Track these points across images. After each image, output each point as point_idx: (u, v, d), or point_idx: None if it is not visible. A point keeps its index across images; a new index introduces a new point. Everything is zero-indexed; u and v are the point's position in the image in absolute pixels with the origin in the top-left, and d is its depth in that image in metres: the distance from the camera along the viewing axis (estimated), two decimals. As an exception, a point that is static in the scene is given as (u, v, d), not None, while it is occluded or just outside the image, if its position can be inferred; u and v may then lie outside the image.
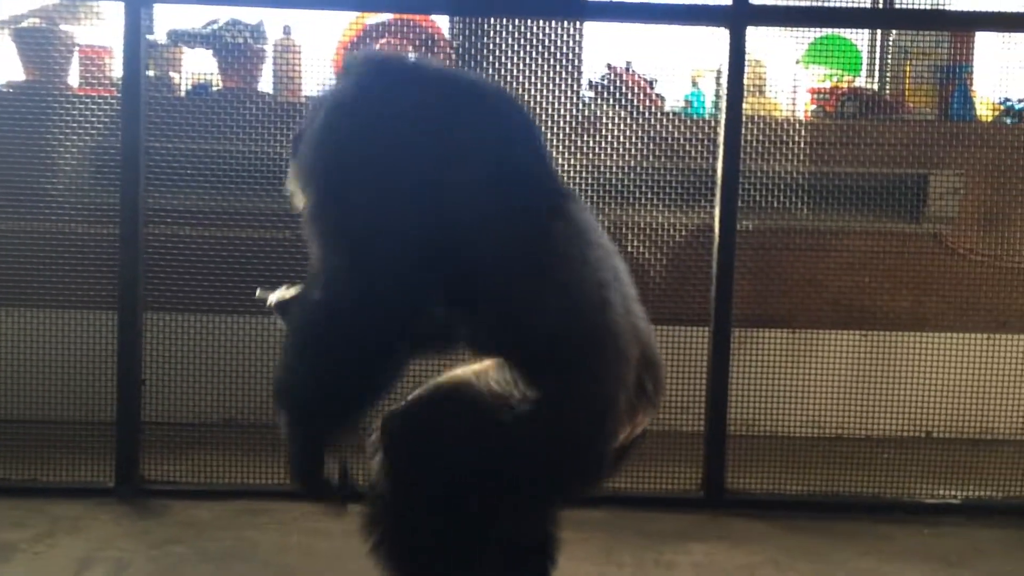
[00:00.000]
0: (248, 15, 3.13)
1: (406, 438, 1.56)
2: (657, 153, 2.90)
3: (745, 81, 2.66)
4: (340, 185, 1.61)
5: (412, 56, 1.86)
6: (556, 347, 1.55)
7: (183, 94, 3.07)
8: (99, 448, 2.64)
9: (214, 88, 3.08)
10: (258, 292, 1.89)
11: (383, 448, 1.58)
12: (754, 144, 2.85)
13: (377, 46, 3.07)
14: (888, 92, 3.34)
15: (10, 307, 2.76)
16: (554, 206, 1.64)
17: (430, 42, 3.04)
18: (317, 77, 3.06)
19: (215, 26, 3.13)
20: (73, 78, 3.07)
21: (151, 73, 2.86)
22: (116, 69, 3.06)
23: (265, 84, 3.12)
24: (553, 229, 1.61)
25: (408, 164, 1.58)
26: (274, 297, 1.85)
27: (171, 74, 3.12)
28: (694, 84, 3.26)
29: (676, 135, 2.92)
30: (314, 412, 1.62)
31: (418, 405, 1.59)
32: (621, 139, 2.88)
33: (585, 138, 2.89)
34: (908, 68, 3.26)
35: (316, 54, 3.10)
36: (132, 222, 2.59)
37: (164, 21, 3.12)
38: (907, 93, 3.25)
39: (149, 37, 2.76)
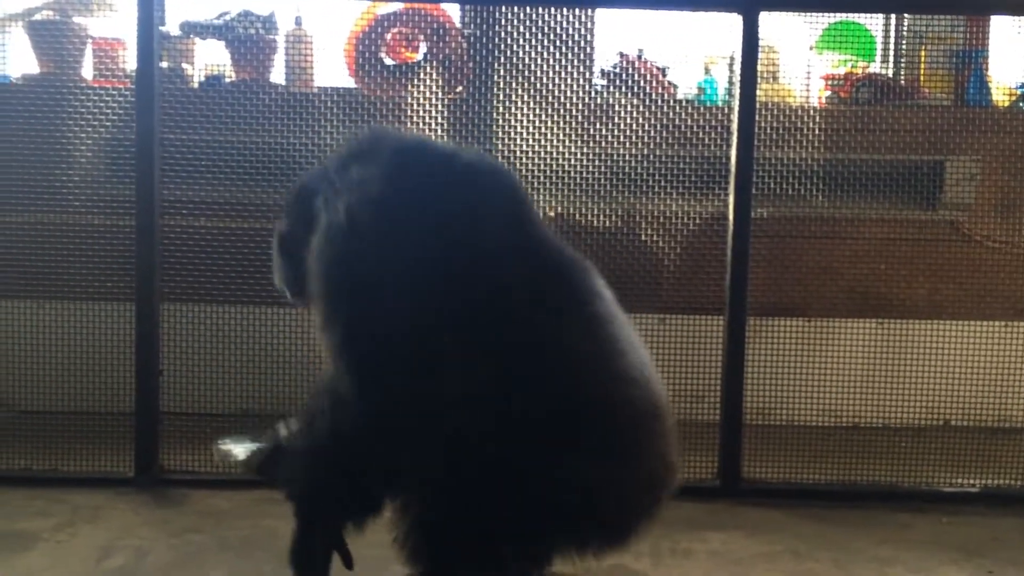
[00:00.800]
0: (260, 6, 3.13)
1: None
2: (670, 141, 2.89)
3: (759, 68, 2.65)
4: (368, 303, 1.59)
5: (412, 141, 1.83)
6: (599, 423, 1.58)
7: (196, 85, 3.08)
8: (118, 438, 2.66)
9: (227, 79, 3.09)
10: (219, 447, 1.89)
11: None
12: (768, 131, 2.83)
13: (388, 36, 3.07)
14: (903, 78, 3.31)
15: (28, 299, 2.78)
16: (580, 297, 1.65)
17: (441, 31, 3.03)
18: (328, 67, 3.07)
19: (227, 17, 3.13)
20: (87, 70, 3.08)
21: (164, 65, 2.87)
22: (130, 61, 3.06)
23: (277, 75, 3.12)
24: (584, 315, 1.63)
25: (435, 275, 1.58)
26: (240, 451, 1.86)
27: (184, 66, 3.12)
28: (707, 71, 3.24)
29: (689, 123, 2.91)
30: (335, 515, 1.72)
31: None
32: (634, 127, 2.87)
33: (597, 126, 2.89)
34: (923, 53, 3.23)
35: (327, 44, 3.10)
36: (148, 213, 2.60)
37: (176, 13, 3.13)
38: (922, 79, 3.23)
39: (162, 29, 2.77)
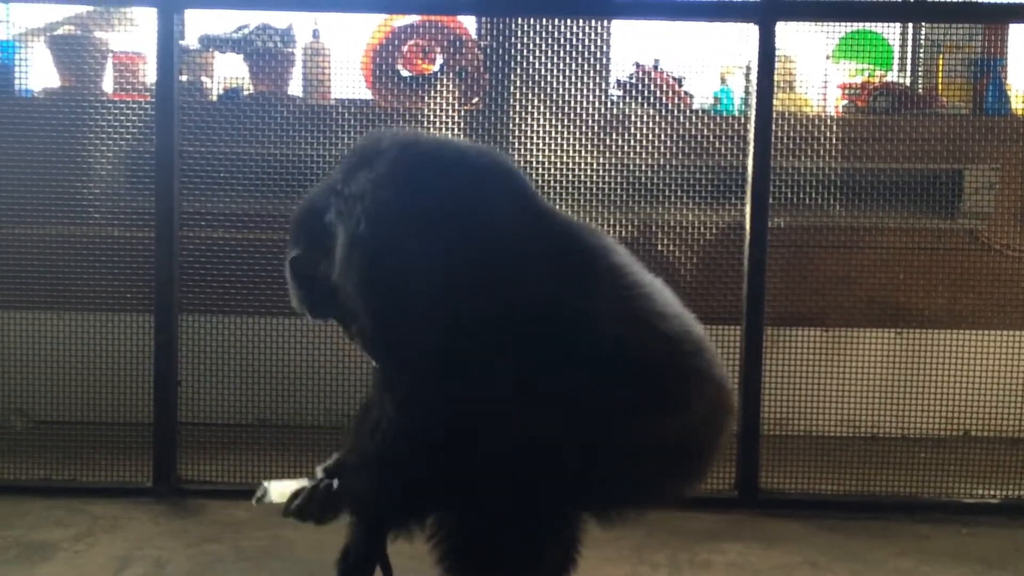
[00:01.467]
0: (278, 19, 3.16)
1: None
2: (687, 151, 2.89)
3: (775, 77, 2.65)
4: (413, 306, 1.58)
5: (427, 143, 1.82)
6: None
7: (215, 98, 3.11)
8: (137, 448, 2.69)
9: (245, 92, 3.12)
10: (259, 494, 1.87)
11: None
12: (785, 141, 2.82)
13: (405, 48, 3.09)
14: (921, 87, 3.30)
15: (49, 310, 2.80)
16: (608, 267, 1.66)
17: (457, 43, 3.05)
18: (346, 79, 3.09)
19: (245, 31, 3.16)
20: (107, 84, 3.11)
21: (184, 78, 2.90)
22: (149, 74, 3.09)
23: (295, 87, 3.15)
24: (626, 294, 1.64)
25: (467, 268, 1.58)
26: (275, 492, 1.84)
27: (203, 79, 3.15)
28: (723, 81, 3.24)
29: (705, 133, 2.91)
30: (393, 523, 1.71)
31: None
32: (650, 137, 2.87)
33: (614, 136, 2.89)
34: (941, 62, 3.22)
35: (345, 57, 3.12)
36: (167, 225, 2.62)
37: (195, 26, 3.16)
38: (940, 87, 3.21)
39: (181, 43, 2.80)
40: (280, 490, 1.84)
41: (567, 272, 1.63)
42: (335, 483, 1.78)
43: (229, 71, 3.22)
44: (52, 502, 2.53)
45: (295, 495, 1.78)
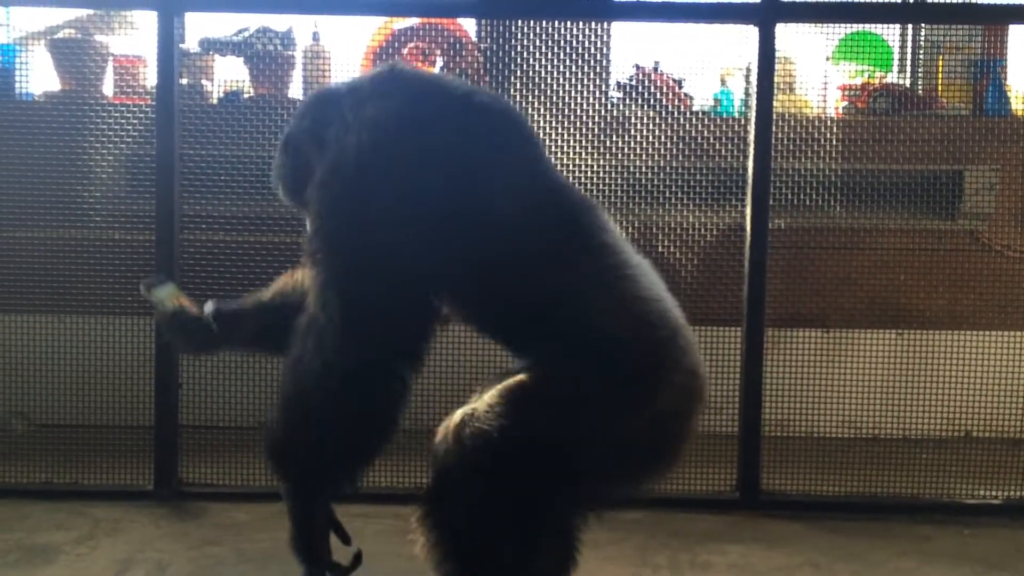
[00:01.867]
0: (278, 22, 3.16)
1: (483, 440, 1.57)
2: (687, 153, 2.89)
3: (775, 79, 2.65)
4: (369, 245, 1.58)
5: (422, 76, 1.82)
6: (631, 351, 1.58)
7: (215, 102, 3.11)
8: (138, 451, 2.69)
9: (245, 95, 3.12)
10: (150, 285, 1.97)
11: (455, 451, 1.59)
12: (785, 142, 2.83)
13: (405, 51, 3.09)
14: (920, 88, 3.30)
15: (50, 314, 2.81)
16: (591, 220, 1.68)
17: (457, 46, 3.05)
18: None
19: (246, 34, 3.16)
20: (108, 87, 3.12)
21: (184, 81, 2.90)
22: (150, 78, 3.10)
23: (295, 90, 3.15)
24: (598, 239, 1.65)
25: (442, 217, 1.59)
26: (165, 295, 1.93)
27: (203, 82, 3.16)
28: (723, 83, 3.24)
29: (706, 134, 2.91)
30: (326, 472, 1.66)
31: (490, 407, 1.61)
32: (650, 139, 2.87)
33: (614, 138, 2.89)
34: (940, 63, 3.22)
35: (345, 60, 3.12)
36: (168, 228, 2.62)
37: (196, 30, 3.17)
38: (940, 88, 3.21)
39: (182, 46, 2.80)
40: (171, 296, 1.95)
41: (555, 242, 1.62)
42: (214, 324, 1.86)
43: (229, 74, 3.23)
44: (53, 505, 2.54)
45: (180, 310, 1.89)
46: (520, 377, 1.62)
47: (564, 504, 1.65)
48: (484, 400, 1.62)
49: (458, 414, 1.63)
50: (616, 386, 1.56)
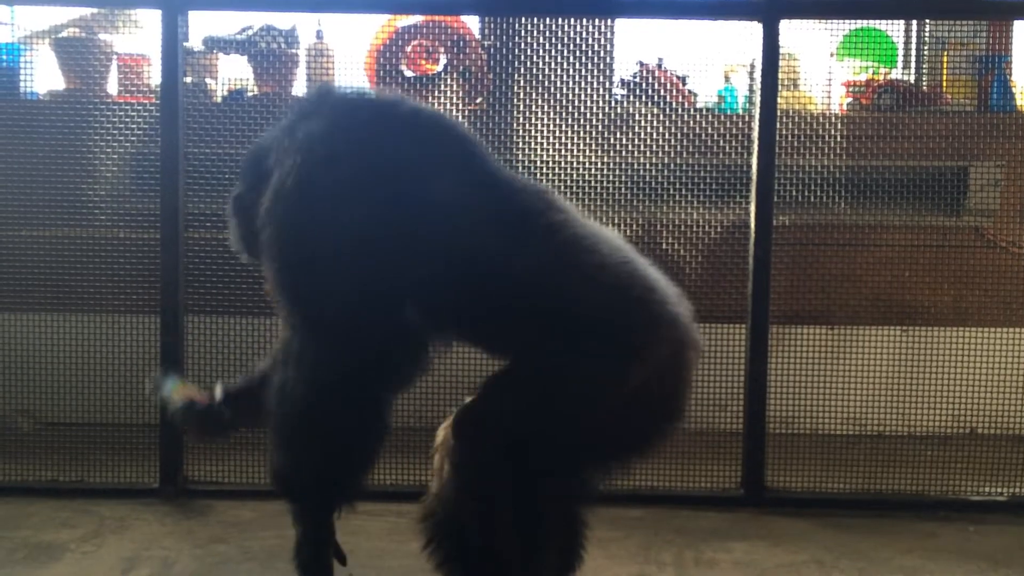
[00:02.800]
0: (281, 20, 3.16)
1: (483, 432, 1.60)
2: (691, 150, 2.89)
3: (779, 75, 2.64)
4: (318, 262, 1.61)
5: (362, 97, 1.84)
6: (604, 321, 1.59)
7: (219, 100, 3.11)
8: (143, 450, 2.70)
9: (249, 93, 3.12)
10: (157, 383, 1.97)
11: (455, 449, 1.61)
12: (789, 139, 2.82)
13: (409, 48, 3.09)
14: (925, 84, 3.29)
15: (55, 312, 2.81)
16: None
17: (461, 43, 3.05)
18: (349, 80, 3.09)
19: (249, 32, 3.16)
20: (112, 86, 3.12)
21: (188, 80, 2.90)
22: (154, 76, 3.11)
23: (299, 88, 3.15)
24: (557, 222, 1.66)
25: (385, 226, 1.60)
26: (172, 389, 1.93)
27: (207, 80, 3.16)
28: (726, 79, 3.24)
29: (710, 131, 2.91)
30: (324, 491, 1.71)
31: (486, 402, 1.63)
32: (654, 136, 2.87)
33: (618, 135, 2.89)
34: (945, 59, 3.21)
35: (348, 57, 3.12)
36: (173, 226, 2.63)
37: (200, 28, 3.17)
38: (944, 84, 3.20)
39: (186, 45, 2.80)
40: (179, 389, 1.94)
41: (507, 232, 1.63)
42: (226, 410, 1.86)
43: (233, 72, 3.23)
44: (59, 503, 2.54)
45: (190, 404, 1.87)
46: (506, 370, 1.64)
47: (567, 488, 1.67)
48: (477, 397, 1.63)
49: (456, 413, 1.64)
50: (599, 358, 1.57)
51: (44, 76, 3.15)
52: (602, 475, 1.73)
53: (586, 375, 1.57)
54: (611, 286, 1.60)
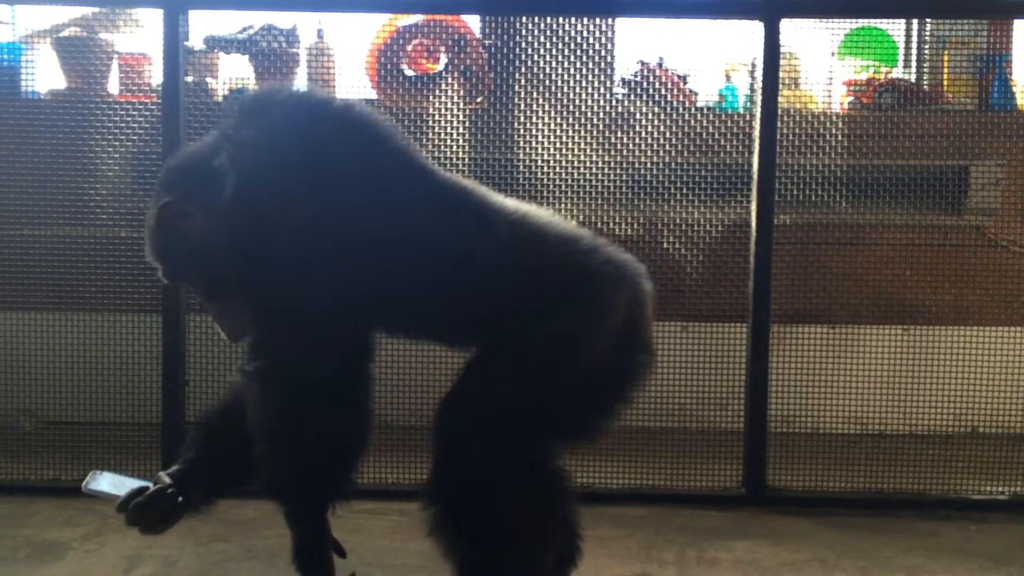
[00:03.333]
0: (282, 20, 3.16)
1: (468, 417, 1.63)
2: (692, 149, 2.89)
3: (780, 74, 2.64)
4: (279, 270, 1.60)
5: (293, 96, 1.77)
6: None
7: (220, 99, 3.12)
8: (145, 448, 2.69)
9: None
10: (88, 480, 1.77)
11: (447, 432, 1.64)
12: (790, 138, 2.82)
13: (409, 47, 3.10)
14: (926, 83, 3.30)
15: (56, 311, 2.82)
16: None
17: (461, 42, 3.05)
18: (350, 79, 3.10)
19: (250, 31, 3.16)
20: (113, 85, 3.12)
21: (189, 79, 2.90)
22: (155, 76, 3.11)
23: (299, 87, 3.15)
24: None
25: (335, 226, 1.60)
26: (108, 483, 1.76)
27: (208, 80, 3.16)
28: (727, 78, 3.24)
29: (711, 130, 2.91)
30: (315, 491, 1.71)
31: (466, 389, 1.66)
32: (655, 135, 2.87)
33: (618, 135, 2.89)
34: (946, 58, 3.22)
35: (349, 57, 3.13)
36: (174, 226, 2.62)
37: (201, 28, 3.17)
38: (945, 83, 3.21)
39: (187, 44, 2.80)
40: (115, 482, 1.75)
41: (450, 222, 1.66)
42: (179, 496, 1.73)
43: (234, 72, 3.23)
44: (62, 502, 2.55)
45: (136, 493, 1.69)
46: (480, 353, 1.70)
47: (559, 445, 1.72)
48: (458, 381, 1.68)
49: (441, 401, 1.67)
50: (572, 320, 1.63)
51: (45, 75, 3.15)
52: (585, 437, 1.76)
53: (562, 337, 1.63)
54: (563, 255, 1.68)
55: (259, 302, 1.64)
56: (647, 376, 1.76)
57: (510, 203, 1.76)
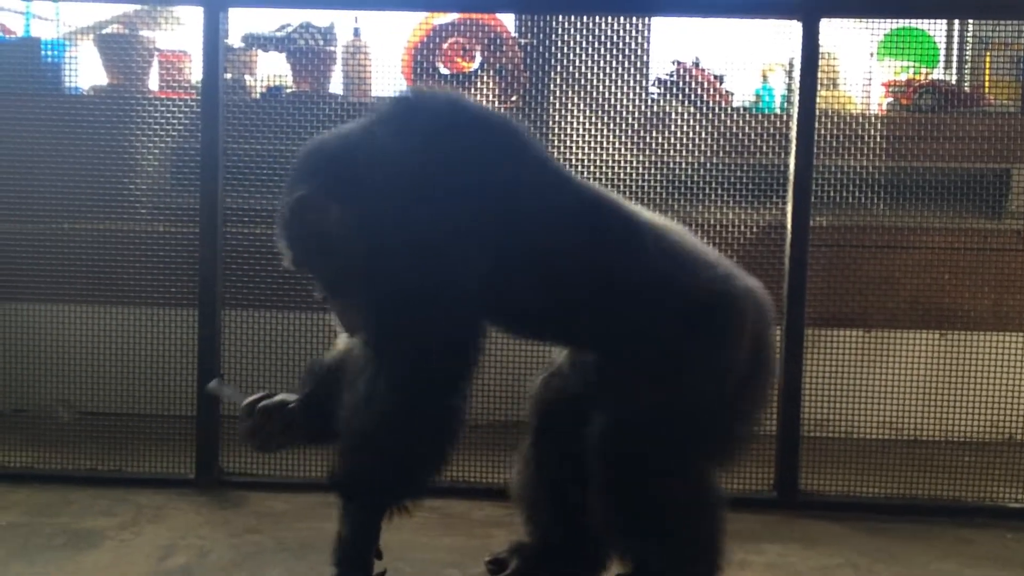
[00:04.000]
0: (319, 18, 3.19)
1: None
2: (727, 149, 2.87)
3: (818, 75, 2.62)
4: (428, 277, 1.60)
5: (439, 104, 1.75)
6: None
7: (258, 96, 3.15)
8: (180, 440, 2.73)
9: (287, 90, 3.15)
10: (215, 384, 1.85)
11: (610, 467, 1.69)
12: (828, 139, 2.79)
13: (445, 46, 3.11)
14: (967, 84, 3.25)
15: (95, 304, 2.86)
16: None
17: (497, 41, 3.05)
18: (386, 77, 3.11)
19: (288, 29, 3.20)
20: (153, 82, 3.17)
21: (228, 76, 2.94)
22: (195, 73, 3.15)
23: (336, 85, 3.18)
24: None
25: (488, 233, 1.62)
26: (232, 391, 1.82)
27: (247, 77, 3.20)
28: (764, 78, 3.21)
29: (747, 131, 2.88)
30: (402, 490, 1.72)
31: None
32: (690, 135, 2.85)
33: (654, 134, 2.87)
34: (988, 59, 3.17)
35: (385, 55, 3.15)
36: (211, 221, 2.66)
37: (239, 26, 3.21)
38: (987, 85, 3.16)
39: (226, 42, 2.83)
40: (234, 395, 1.81)
41: (589, 229, 1.69)
42: (297, 411, 1.76)
43: (272, 69, 3.27)
44: (98, 492, 2.59)
45: (263, 397, 1.73)
46: (624, 373, 1.70)
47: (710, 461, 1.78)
48: (604, 413, 1.68)
49: (589, 435, 1.69)
50: (708, 338, 1.67)
51: (87, 72, 3.21)
52: (729, 458, 1.84)
53: (716, 373, 1.68)
54: (702, 273, 1.72)
55: (387, 296, 1.61)
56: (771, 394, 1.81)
57: (645, 212, 1.79)
